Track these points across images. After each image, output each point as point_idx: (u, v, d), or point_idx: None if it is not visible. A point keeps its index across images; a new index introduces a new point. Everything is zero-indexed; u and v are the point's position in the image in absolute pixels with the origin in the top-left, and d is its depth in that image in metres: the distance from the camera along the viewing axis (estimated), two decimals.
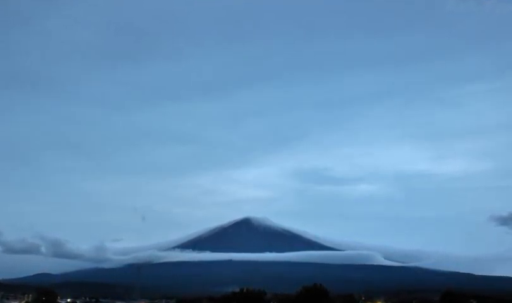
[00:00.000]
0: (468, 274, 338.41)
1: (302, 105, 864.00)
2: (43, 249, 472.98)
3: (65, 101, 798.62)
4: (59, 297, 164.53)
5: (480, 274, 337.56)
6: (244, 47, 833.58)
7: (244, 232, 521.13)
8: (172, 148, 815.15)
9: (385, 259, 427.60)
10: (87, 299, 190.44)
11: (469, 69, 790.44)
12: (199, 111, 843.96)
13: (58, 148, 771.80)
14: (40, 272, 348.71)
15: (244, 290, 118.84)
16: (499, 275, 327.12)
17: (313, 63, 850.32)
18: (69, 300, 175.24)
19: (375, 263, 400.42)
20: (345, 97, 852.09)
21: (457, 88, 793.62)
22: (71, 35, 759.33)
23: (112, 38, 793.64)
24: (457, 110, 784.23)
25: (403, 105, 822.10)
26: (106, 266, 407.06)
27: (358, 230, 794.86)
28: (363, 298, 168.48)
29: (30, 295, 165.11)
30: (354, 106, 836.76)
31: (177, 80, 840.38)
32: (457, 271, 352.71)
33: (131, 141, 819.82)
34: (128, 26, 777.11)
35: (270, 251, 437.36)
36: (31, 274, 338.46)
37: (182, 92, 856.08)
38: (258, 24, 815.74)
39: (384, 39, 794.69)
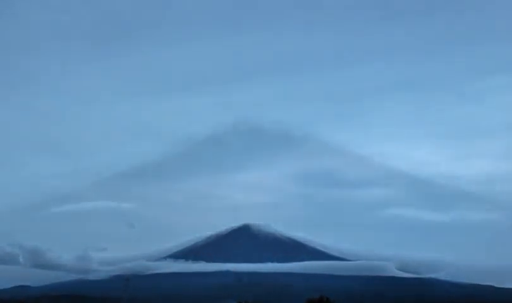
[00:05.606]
0: (490, 286, 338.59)
1: (308, 99, 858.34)
2: (21, 259, 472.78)
3: (39, 95, 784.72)
4: None
5: (503, 286, 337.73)
6: (243, 35, 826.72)
7: (244, 240, 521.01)
8: (163, 147, 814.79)
9: (399, 270, 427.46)
10: None
11: (495, 60, 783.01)
12: (193, 106, 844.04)
13: (34, 147, 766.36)
14: (18, 284, 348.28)
15: None
16: None
17: (320, 52, 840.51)
18: None
19: (388, 274, 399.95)
20: (356, 91, 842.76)
21: (481, 80, 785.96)
22: (45, 21, 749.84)
23: (93, 24, 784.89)
24: (482, 105, 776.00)
25: (421, 100, 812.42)
26: (91, 277, 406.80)
27: (370, 238, 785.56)
28: None
29: None
30: (366, 101, 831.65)
31: (167, 72, 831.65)
32: (478, 283, 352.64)
33: (116, 140, 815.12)
34: (110, 11, 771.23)
35: (272, 261, 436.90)
36: (8, 286, 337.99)
37: (173, 85, 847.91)
38: (258, 10, 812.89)
39: (399, 26, 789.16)
